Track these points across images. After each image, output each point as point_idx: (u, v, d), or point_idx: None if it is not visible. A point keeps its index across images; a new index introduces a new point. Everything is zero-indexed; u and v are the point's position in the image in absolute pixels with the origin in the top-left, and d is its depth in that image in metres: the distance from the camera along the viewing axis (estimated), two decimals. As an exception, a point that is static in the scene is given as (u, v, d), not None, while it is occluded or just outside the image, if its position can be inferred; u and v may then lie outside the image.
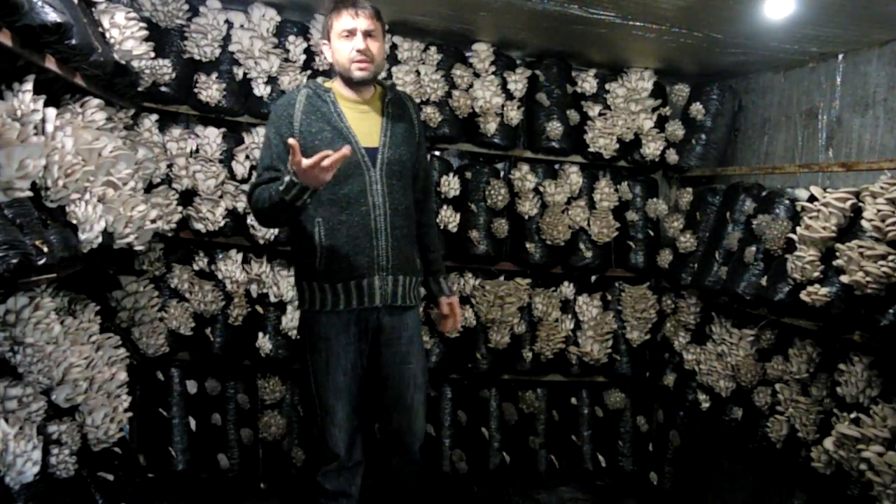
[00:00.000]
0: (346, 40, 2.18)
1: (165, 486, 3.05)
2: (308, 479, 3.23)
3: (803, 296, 2.34)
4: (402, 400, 2.35)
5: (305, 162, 1.91)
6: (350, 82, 2.24)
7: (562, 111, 3.43)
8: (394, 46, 3.22)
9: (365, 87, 2.27)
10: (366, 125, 2.24)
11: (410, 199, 2.34)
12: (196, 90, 2.97)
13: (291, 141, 1.93)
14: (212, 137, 3.04)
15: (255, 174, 2.31)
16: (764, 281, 2.65)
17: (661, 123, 3.56)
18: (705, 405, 3.10)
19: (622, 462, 3.66)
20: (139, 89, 2.67)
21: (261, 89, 3.03)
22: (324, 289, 2.23)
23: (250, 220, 3.05)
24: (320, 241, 2.20)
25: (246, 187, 3.06)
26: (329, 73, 3.16)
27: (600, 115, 3.49)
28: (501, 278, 3.48)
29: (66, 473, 1.85)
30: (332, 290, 2.23)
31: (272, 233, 3.06)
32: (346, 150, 1.97)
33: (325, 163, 1.92)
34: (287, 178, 1.99)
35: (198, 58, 2.97)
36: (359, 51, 2.16)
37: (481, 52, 3.32)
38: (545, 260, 3.45)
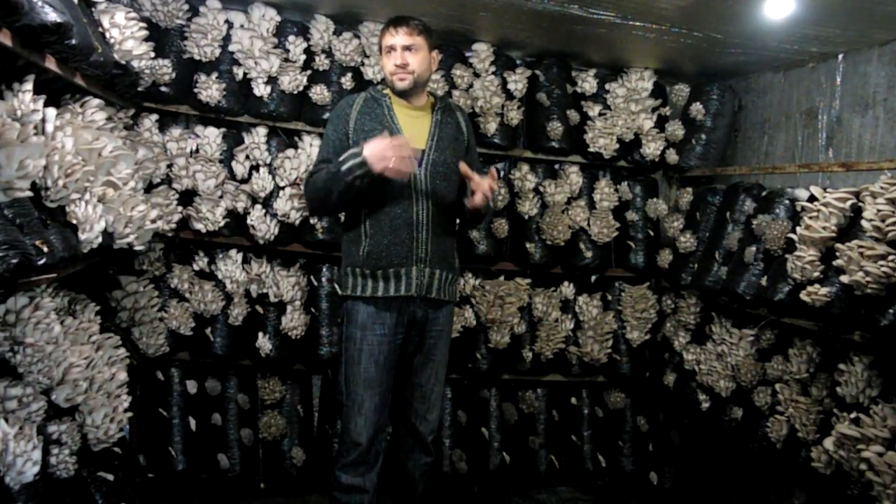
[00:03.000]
0: (388, 56, 2.39)
1: (165, 486, 3.05)
2: (308, 478, 3.24)
3: (803, 296, 2.34)
4: (421, 389, 2.49)
5: (380, 142, 2.16)
6: (394, 90, 2.42)
7: (562, 111, 3.43)
8: (394, 46, 3.23)
9: (414, 95, 2.43)
10: (415, 128, 2.41)
11: (454, 200, 2.45)
12: (196, 90, 2.97)
13: (386, 134, 2.24)
14: (212, 137, 3.04)
15: (311, 166, 2.55)
16: (764, 281, 2.65)
17: (661, 123, 3.56)
18: (705, 405, 3.11)
19: (622, 462, 3.66)
20: (139, 89, 2.67)
21: (261, 89, 3.03)
22: (364, 275, 2.37)
23: (250, 219, 3.05)
24: (365, 229, 2.37)
25: (246, 187, 3.07)
26: (330, 74, 3.17)
27: (600, 115, 3.49)
28: (501, 278, 3.48)
29: (66, 473, 1.85)
30: (372, 276, 2.36)
31: (272, 233, 3.06)
32: (412, 153, 2.19)
33: (398, 152, 2.15)
34: (352, 150, 2.23)
35: (198, 58, 2.97)
36: (396, 65, 2.36)
37: (481, 52, 3.32)
38: (545, 260, 3.45)
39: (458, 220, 2.58)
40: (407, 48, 2.35)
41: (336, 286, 3.12)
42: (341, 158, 2.24)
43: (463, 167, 2.32)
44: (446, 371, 2.60)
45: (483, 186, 2.30)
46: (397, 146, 2.16)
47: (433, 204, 2.37)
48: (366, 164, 2.16)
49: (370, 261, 2.35)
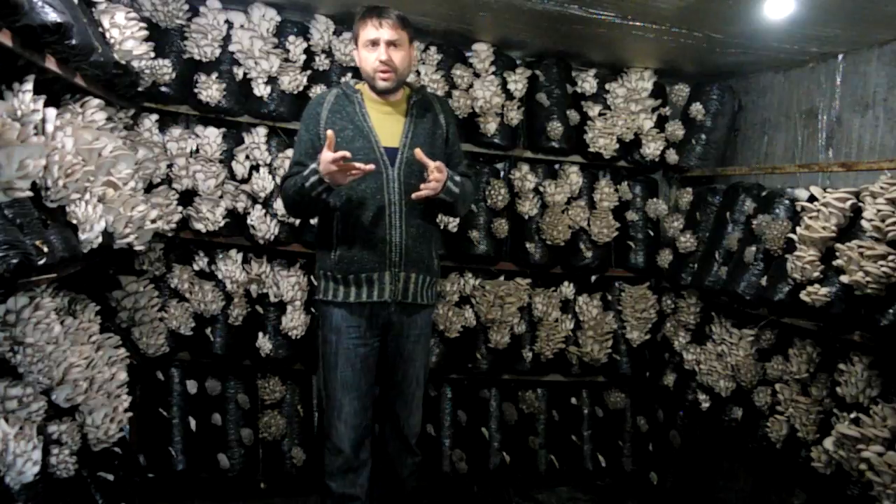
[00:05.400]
0: (370, 50, 2.26)
1: (165, 486, 3.05)
2: (308, 478, 3.24)
3: (803, 296, 2.34)
4: (403, 395, 2.43)
5: (327, 154, 2.06)
6: (374, 88, 2.32)
7: (562, 111, 3.43)
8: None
9: (392, 91, 2.33)
10: (388, 126, 2.31)
11: (431, 201, 2.32)
12: (196, 90, 2.97)
13: (329, 132, 2.08)
14: (212, 137, 3.04)
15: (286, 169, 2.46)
16: (764, 281, 2.65)
17: (661, 123, 3.56)
18: (705, 405, 3.11)
19: (622, 462, 3.67)
20: (139, 89, 2.68)
21: (261, 89, 3.03)
22: (336, 279, 2.30)
23: (250, 219, 3.05)
24: (337, 233, 2.29)
25: (246, 187, 3.07)
26: (330, 74, 3.17)
27: (600, 115, 3.49)
28: (501, 278, 3.48)
29: (66, 473, 1.85)
30: (345, 282, 2.29)
31: (272, 233, 3.06)
32: (370, 167, 2.11)
33: (347, 168, 2.07)
34: (312, 166, 2.15)
35: (198, 58, 2.97)
36: (381, 61, 2.23)
37: (481, 52, 3.32)
38: (545, 260, 3.45)
39: (436, 219, 2.50)
40: (392, 44, 2.24)
41: None
42: (304, 174, 2.16)
43: (418, 152, 2.19)
44: (427, 373, 2.53)
45: (433, 175, 2.17)
46: (343, 167, 2.06)
47: (407, 205, 2.27)
48: (324, 181, 2.11)
49: (342, 266, 2.27)
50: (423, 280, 2.36)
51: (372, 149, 2.26)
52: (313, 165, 2.13)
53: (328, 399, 2.36)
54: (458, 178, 2.31)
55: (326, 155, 2.06)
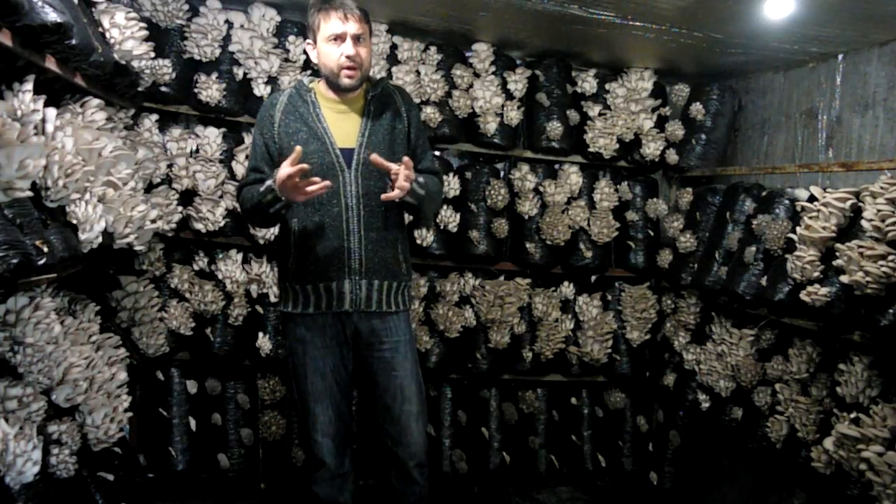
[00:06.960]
0: (334, 45, 2.11)
1: (165, 486, 3.05)
2: (309, 478, 3.24)
3: (803, 296, 2.34)
4: (390, 411, 2.25)
5: (284, 170, 1.97)
6: (336, 86, 2.19)
7: (562, 111, 3.43)
8: (394, 46, 3.22)
9: (355, 89, 2.21)
10: (344, 125, 2.19)
11: (393, 202, 2.18)
12: (196, 90, 2.97)
13: (298, 148, 1.98)
14: (212, 137, 3.04)
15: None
16: (764, 281, 2.65)
17: (661, 123, 3.56)
18: (705, 405, 3.11)
19: (622, 462, 3.67)
20: (139, 89, 2.67)
21: (261, 89, 3.03)
22: (296, 290, 2.21)
23: (250, 220, 3.05)
24: (294, 241, 2.19)
25: (246, 187, 3.07)
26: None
27: (600, 115, 3.49)
28: (501, 278, 3.48)
29: (66, 473, 1.85)
30: (303, 292, 2.20)
31: (272, 233, 3.06)
32: (326, 183, 2.02)
33: (304, 185, 1.97)
34: (268, 182, 2.06)
35: (198, 58, 2.97)
36: (348, 57, 2.10)
37: (481, 52, 3.32)
38: (545, 260, 3.45)
39: (405, 221, 2.39)
40: (357, 38, 2.10)
41: None
42: (261, 189, 2.06)
43: (374, 157, 2.04)
44: (420, 386, 2.30)
45: (399, 179, 2.04)
46: (296, 176, 1.95)
47: (366, 208, 2.15)
48: (282, 199, 2.03)
49: (299, 275, 2.17)
50: (389, 286, 2.22)
51: (327, 151, 2.14)
52: (269, 182, 2.04)
53: (303, 411, 2.26)
54: (421, 179, 2.15)
55: (283, 170, 1.96)
